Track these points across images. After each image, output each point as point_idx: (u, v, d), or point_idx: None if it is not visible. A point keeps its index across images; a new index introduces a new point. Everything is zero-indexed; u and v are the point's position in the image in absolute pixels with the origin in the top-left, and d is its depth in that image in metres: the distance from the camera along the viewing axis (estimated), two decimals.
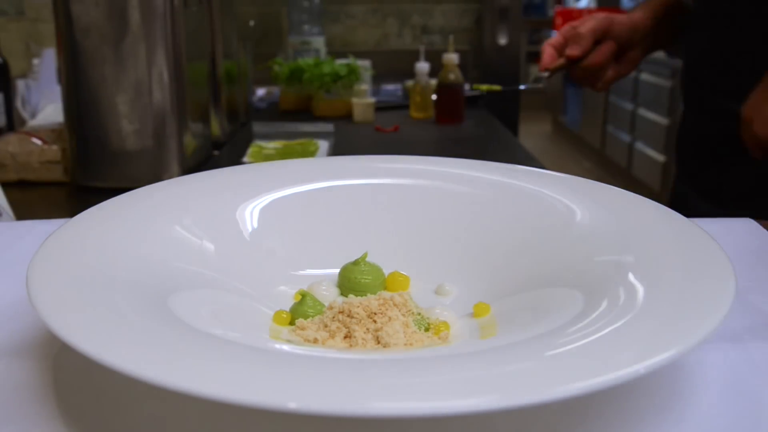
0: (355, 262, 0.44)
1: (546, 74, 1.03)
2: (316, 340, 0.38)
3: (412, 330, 0.38)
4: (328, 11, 2.42)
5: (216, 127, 1.33)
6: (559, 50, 1.03)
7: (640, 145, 3.64)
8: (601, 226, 0.43)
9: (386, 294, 0.41)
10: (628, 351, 0.29)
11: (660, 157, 3.34)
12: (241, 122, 1.56)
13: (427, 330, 0.39)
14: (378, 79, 1.94)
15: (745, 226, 0.57)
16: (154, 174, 1.03)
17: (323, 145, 1.29)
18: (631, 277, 0.36)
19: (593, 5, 4.84)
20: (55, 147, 1.10)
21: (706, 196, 0.93)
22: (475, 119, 1.59)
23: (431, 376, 0.29)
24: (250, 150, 1.26)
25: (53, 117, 1.39)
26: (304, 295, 0.42)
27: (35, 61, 1.68)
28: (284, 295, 0.44)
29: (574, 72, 1.02)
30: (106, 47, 1.00)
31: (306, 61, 1.76)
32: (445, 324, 0.40)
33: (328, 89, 1.69)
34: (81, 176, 1.05)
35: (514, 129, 2.62)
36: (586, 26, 1.00)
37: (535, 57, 2.96)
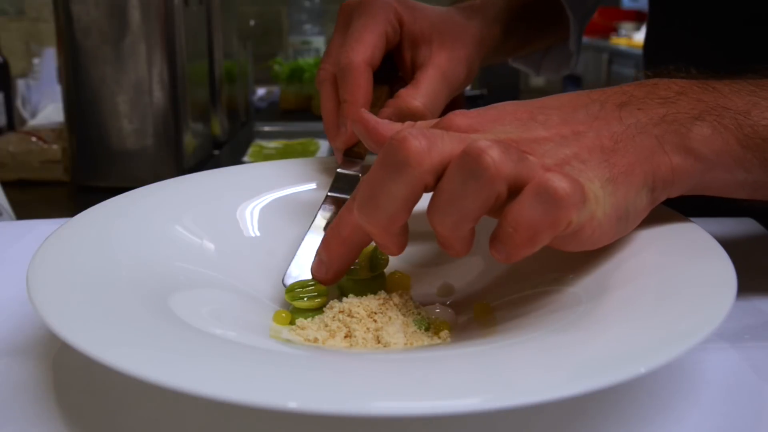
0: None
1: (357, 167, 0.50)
2: (316, 340, 0.38)
3: (412, 330, 0.38)
4: (328, 11, 2.42)
5: (216, 126, 1.33)
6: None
7: None
8: None
9: (386, 294, 0.41)
10: (628, 351, 0.29)
11: None
12: (242, 122, 1.56)
13: (427, 330, 0.39)
14: None
15: (745, 226, 0.57)
16: (154, 174, 1.03)
17: (323, 144, 1.29)
18: (631, 276, 0.36)
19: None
20: (55, 146, 1.10)
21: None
22: None
23: (431, 376, 0.29)
24: (250, 150, 1.26)
25: (53, 117, 1.40)
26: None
27: (35, 61, 1.68)
28: (284, 295, 0.44)
29: None
30: (106, 47, 1.00)
31: (306, 60, 1.76)
32: (445, 324, 0.40)
33: None
34: (81, 176, 1.05)
35: None
36: (430, 101, 0.52)
37: None
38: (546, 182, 0.32)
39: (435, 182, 0.34)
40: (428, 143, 0.33)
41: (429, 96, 0.51)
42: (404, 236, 0.36)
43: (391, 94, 0.52)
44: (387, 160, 0.34)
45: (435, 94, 0.52)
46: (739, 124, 0.38)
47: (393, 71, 0.56)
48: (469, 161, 0.32)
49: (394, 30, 0.52)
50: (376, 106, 0.51)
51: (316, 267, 0.40)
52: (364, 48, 0.50)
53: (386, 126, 0.40)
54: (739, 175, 0.39)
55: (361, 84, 0.49)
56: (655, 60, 0.80)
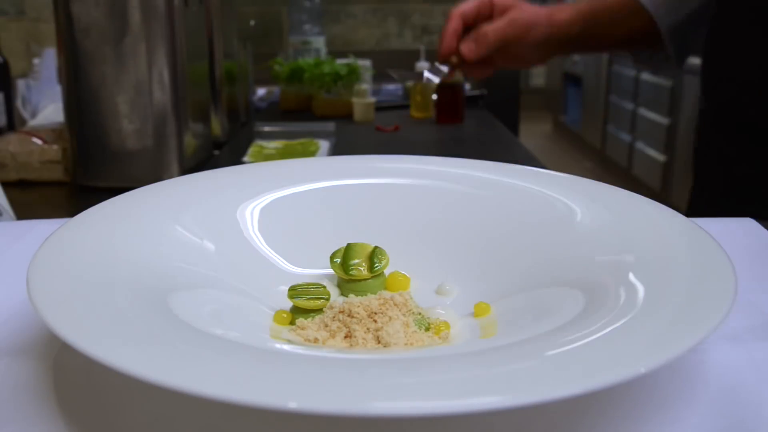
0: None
1: (445, 69, 1.04)
2: (316, 340, 0.38)
3: (412, 330, 0.38)
4: (328, 11, 2.42)
5: (216, 126, 1.33)
6: (459, 34, 1.02)
7: (640, 145, 3.64)
8: (602, 225, 0.43)
9: (387, 294, 0.41)
10: (628, 351, 0.29)
11: (660, 157, 3.33)
12: (242, 122, 1.56)
13: (427, 330, 0.39)
14: (378, 78, 1.94)
15: (745, 226, 0.57)
16: (154, 174, 1.03)
17: (323, 144, 1.29)
18: (631, 276, 0.36)
19: None
20: (55, 147, 1.10)
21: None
22: (475, 119, 1.59)
23: (431, 376, 0.29)
24: (251, 150, 1.26)
25: (53, 117, 1.40)
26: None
27: (36, 61, 1.67)
28: (284, 295, 0.44)
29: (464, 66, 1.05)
30: (106, 47, 1.00)
31: (306, 60, 1.76)
32: (446, 324, 0.40)
33: (328, 89, 1.69)
34: (81, 176, 1.05)
35: (514, 129, 2.62)
36: (497, 32, 0.99)
37: None
38: None
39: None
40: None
41: (495, 27, 0.99)
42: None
43: None
44: None
45: (499, 29, 1.00)
46: None
47: None
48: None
49: (485, 3, 1.02)
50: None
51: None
52: (464, 6, 1.01)
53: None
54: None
55: (452, 23, 1.01)
56: (715, 61, 0.92)
